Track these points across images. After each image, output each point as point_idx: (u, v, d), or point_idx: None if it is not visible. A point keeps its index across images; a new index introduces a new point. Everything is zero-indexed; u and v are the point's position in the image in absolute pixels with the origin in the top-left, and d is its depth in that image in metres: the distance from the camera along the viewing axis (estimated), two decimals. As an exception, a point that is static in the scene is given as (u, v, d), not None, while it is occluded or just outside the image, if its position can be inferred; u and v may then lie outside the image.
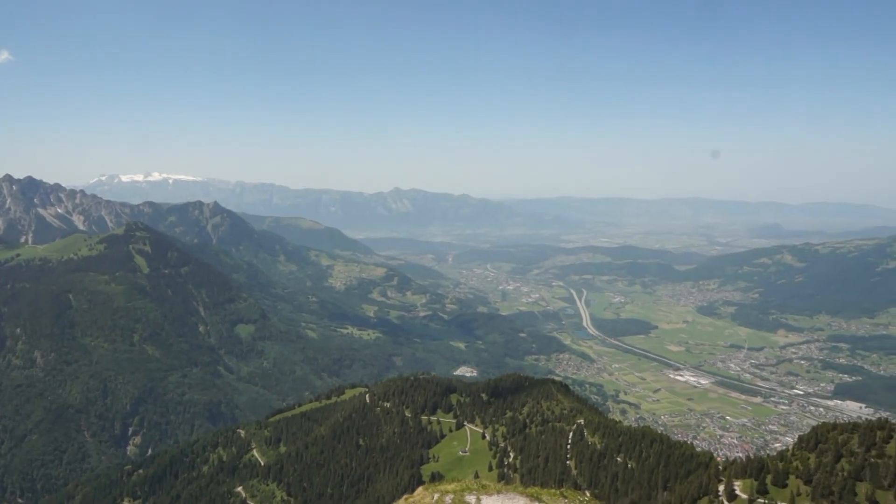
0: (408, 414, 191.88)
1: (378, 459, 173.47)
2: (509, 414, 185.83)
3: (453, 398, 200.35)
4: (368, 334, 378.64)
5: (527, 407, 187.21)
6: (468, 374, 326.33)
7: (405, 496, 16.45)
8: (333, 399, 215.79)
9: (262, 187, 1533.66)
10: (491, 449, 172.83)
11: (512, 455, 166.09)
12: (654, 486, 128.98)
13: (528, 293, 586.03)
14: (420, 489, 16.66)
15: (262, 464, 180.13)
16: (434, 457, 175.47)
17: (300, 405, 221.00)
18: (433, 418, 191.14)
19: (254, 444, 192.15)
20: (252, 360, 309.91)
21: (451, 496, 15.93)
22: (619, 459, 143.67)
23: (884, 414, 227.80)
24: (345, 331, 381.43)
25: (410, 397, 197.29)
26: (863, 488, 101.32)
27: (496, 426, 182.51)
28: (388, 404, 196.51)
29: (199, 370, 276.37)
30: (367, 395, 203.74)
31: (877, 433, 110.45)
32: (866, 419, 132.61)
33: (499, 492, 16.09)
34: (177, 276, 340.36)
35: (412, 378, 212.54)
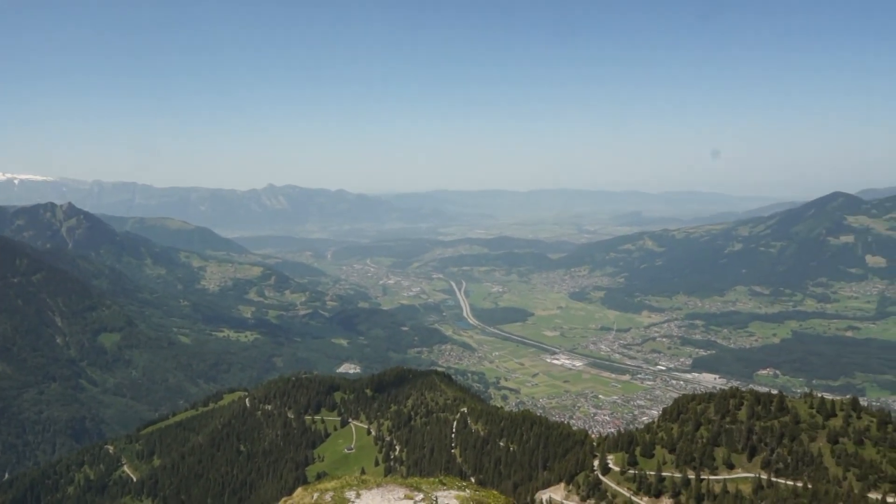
0: (290, 415, 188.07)
1: (261, 464, 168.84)
2: (394, 408, 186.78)
3: (337, 396, 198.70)
4: (246, 336, 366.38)
5: (411, 399, 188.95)
6: (352, 371, 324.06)
7: (283, 499, 16.26)
8: (211, 406, 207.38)
9: (123, 186, 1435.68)
10: (377, 444, 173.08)
11: (398, 448, 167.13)
12: (535, 467, 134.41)
13: (409, 287, 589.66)
14: (299, 490, 16.55)
15: (135, 479, 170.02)
16: (319, 457, 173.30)
17: (174, 415, 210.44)
18: (317, 418, 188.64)
19: (124, 460, 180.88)
20: (119, 371, 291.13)
21: (331, 494, 15.98)
22: (501, 444, 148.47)
23: (735, 383, 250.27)
24: (221, 334, 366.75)
25: (293, 398, 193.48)
26: (720, 452, 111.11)
27: (381, 421, 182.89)
28: (269, 407, 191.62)
29: (59, 385, 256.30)
30: (246, 399, 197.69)
31: (730, 401, 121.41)
32: (720, 389, 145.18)
33: (378, 485, 16.31)
34: (28, 285, 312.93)
35: (294, 378, 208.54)
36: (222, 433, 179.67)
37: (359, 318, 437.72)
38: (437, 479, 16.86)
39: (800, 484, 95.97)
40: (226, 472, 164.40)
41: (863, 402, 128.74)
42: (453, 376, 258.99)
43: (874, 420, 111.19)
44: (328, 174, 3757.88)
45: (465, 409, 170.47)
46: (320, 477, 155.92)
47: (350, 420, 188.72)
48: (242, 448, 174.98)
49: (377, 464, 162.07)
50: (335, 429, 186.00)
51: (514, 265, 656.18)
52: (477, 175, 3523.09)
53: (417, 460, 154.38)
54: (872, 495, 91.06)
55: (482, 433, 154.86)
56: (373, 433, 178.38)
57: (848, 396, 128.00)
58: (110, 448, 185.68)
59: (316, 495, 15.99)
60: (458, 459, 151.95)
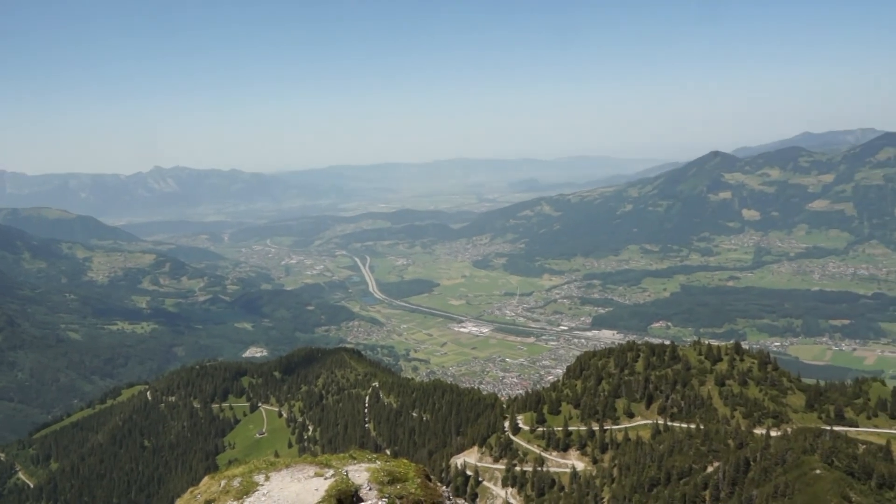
0: (196, 405, 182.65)
1: (168, 458, 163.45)
2: (304, 388, 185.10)
3: (245, 381, 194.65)
4: (142, 327, 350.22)
5: (321, 378, 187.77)
6: (258, 355, 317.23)
7: (190, 489, 15.84)
8: (109, 402, 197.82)
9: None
10: (289, 426, 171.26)
11: (311, 428, 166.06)
12: (448, 433, 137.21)
13: (313, 265, 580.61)
14: (206, 479, 16.17)
15: (32, 486, 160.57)
16: (230, 444, 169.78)
17: (70, 415, 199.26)
18: (225, 405, 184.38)
19: (18, 466, 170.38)
20: (2, 374, 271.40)
21: (239, 479, 15.71)
22: (414, 414, 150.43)
23: (631, 337, 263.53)
24: (114, 327, 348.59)
25: (198, 387, 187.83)
26: (621, 403, 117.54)
27: (292, 402, 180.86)
28: (173, 398, 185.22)
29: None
30: (147, 393, 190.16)
31: (627, 355, 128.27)
32: (618, 344, 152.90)
33: (287, 466, 16.19)
34: None
35: (197, 367, 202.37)
36: (123, 430, 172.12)
37: (262, 301, 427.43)
38: (347, 455, 16.93)
39: (693, 426, 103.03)
40: (130, 469, 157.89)
41: (744, 345, 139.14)
42: (363, 352, 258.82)
43: (755, 362, 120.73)
44: (219, 154, 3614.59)
45: (376, 384, 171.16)
46: (232, 464, 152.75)
47: (260, 404, 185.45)
48: (147, 443, 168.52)
49: (290, 445, 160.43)
50: (245, 414, 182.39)
51: (417, 237, 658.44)
52: (375, 149, 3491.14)
53: (332, 438, 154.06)
54: (757, 430, 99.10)
55: (395, 405, 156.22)
56: (284, 415, 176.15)
57: (731, 342, 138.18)
58: (1, 455, 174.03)
59: (223, 482, 15.68)
60: (373, 433, 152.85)
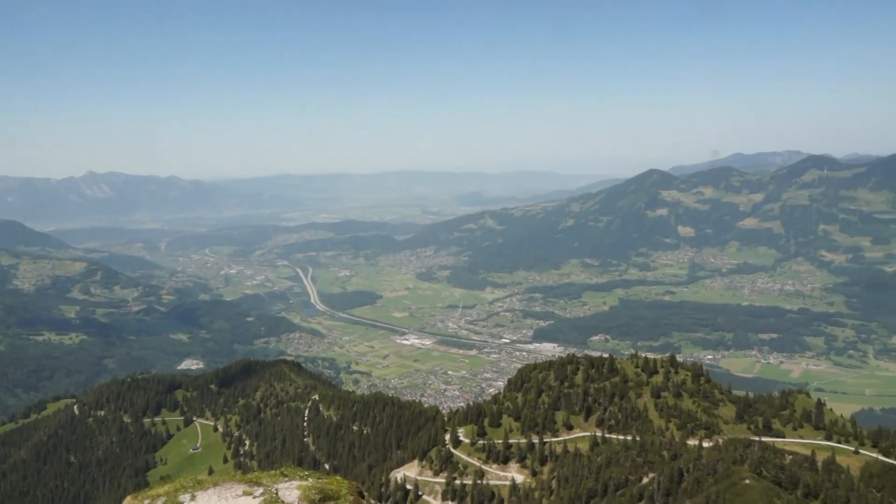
0: (127, 419, 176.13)
1: (95, 474, 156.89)
2: (242, 401, 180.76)
3: (179, 394, 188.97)
4: (71, 338, 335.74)
5: (259, 391, 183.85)
6: (194, 367, 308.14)
7: (109, 510, 15.08)
8: (33, 417, 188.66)
9: None
10: (225, 440, 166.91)
11: (248, 443, 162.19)
12: (389, 447, 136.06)
13: (253, 275, 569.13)
14: (128, 498, 15.44)
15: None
16: (162, 460, 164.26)
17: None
18: (157, 419, 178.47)
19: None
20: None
21: (163, 500, 15.09)
22: (354, 428, 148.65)
23: (571, 350, 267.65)
24: (40, 337, 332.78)
25: (128, 401, 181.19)
26: (560, 415, 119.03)
27: (229, 416, 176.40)
28: (102, 412, 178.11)
29: None
30: (75, 407, 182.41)
31: (567, 367, 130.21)
32: (558, 356, 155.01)
33: (215, 484, 15.64)
34: None
35: (129, 380, 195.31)
36: (48, 445, 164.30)
37: (200, 311, 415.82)
38: (278, 472, 16.48)
39: (629, 437, 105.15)
40: (55, 486, 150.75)
41: (679, 358, 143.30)
42: (303, 364, 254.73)
43: (689, 374, 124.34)
44: (157, 160, 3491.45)
45: (316, 397, 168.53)
46: (163, 480, 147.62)
47: (195, 418, 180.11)
48: (73, 459, 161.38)
49: (226, 461, 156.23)
50: (178, 429, 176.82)
51: (360, 248, 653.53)
52: (320, 159, 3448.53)
53: (269, 453, 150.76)
54: (691, 441, 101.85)
55: (335, 419, 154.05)
56: (220, 430, 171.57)
57: (667, 355, 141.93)
58: None
59: (147, 502, 15.03)
60: (312, 448, 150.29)
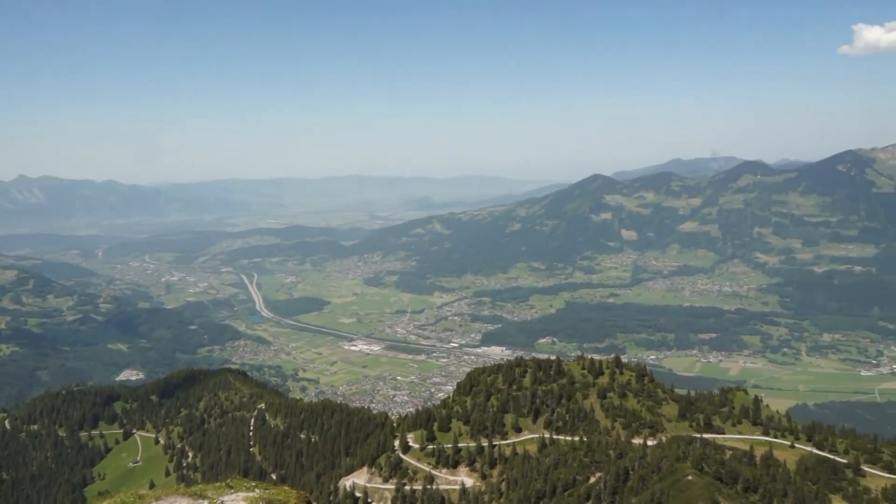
0: (62, 433, 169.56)
1: (29, 491, 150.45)
2: (185, 412, 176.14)
3: (118, 406, 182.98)
4: (1, 350, 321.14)
5: (203, 401, 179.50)
6: (134, 378, 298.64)
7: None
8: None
9: None
10: (167, 453, 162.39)
11: (191, 455, 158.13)
12: (337, 455, 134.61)
13: (196, 282, 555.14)
14: (64, 517, 14.80)
15: None
16: (100, 474, 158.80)
17: None
18: (95, 433, 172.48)
19: None
20: None
21: (102, 516, 14.51)
22: (302, 436, 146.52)
23: (519, 353, 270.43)
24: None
25: (64, 414, 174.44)
26: (509, 418, 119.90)
27: (171, 427, 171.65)
28: (35, 427, 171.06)
29: None
30: (6, 421, 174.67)
31: (515, 370, 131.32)
32: (507, 360, 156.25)
33: (158, 498, 15.13)
34: None
35: (64, 392, 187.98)
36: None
37: (139, 320, 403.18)
38: (223, 483, 16.05)
39: (577, 438, 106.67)
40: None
41: (624, 359, 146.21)
42: (249, 372, 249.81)
43: (633, 374, 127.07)
44: (93, 163, 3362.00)
45: (262, 406, 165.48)
46: (101, 496, 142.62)
47: (135, 431, 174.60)
48: (6, 476, 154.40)
49: (168, 474, 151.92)
50: (117, 442, 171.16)
51: (307, 254, 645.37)
52: (266, 163, 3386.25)
53: (213, 464, 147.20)
54: (636, 440, 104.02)
55: (282, 427, 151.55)
56: (161, 442, 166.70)
57: (612, 356, 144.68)
58: None
59: (84, 520, 14.41)
60: (258, 457, 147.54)
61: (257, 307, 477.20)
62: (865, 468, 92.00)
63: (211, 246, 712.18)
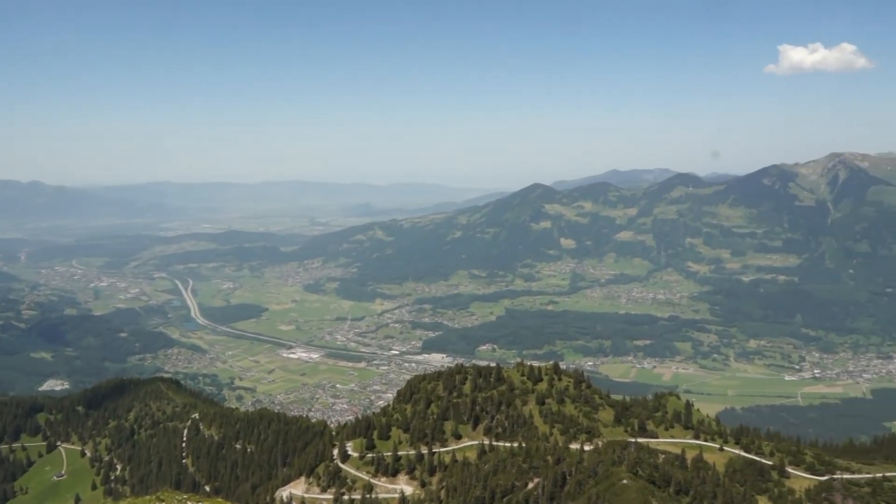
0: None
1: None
2: (113, 423, 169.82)
3: (41, 418, 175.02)
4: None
5: (133, 412, 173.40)
6: (59, 388, 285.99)
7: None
8: None
9: None
10: (93, 466, 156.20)
11: (119, 467, 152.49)
12: (274, 465, 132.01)
13: (127, 288, 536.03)
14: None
15: None
16: (22, 489, 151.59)
17: None
18: (16, 445, 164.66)
19: None
20: None
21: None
22: (237, 446, 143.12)
23: (460, 360, 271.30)
24: None
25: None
26: (449, 426, 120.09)
27: (98, 439, 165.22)
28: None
29: None
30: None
31: (456, 377, 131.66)
32: (447, 367, 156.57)
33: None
34: None
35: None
36: None
37: (65, 327, 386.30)
38: (153, 496, 15.61)
39: (516, 444, 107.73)
40: None
41: (562, 366, 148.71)
42: (182, 381, 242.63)
43: (571, 381, 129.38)
44: (16, 163, 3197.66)
45: (196, 415, 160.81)
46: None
47: (59, 443, 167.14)
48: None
49: (94, 488, 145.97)
50: (41, 455, 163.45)
51: (245, 260, 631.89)
52: (200, 167, 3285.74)
53: (143, 477, 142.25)
54: (573, 445, 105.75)
55: (217, 438, 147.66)
56: (88, 454, 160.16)
57: (551, 362, 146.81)
58: None
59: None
60: (191, 469, 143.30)
61: (192, 314, 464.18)
62: (790, 469, 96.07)
63: (143, 251, 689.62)
